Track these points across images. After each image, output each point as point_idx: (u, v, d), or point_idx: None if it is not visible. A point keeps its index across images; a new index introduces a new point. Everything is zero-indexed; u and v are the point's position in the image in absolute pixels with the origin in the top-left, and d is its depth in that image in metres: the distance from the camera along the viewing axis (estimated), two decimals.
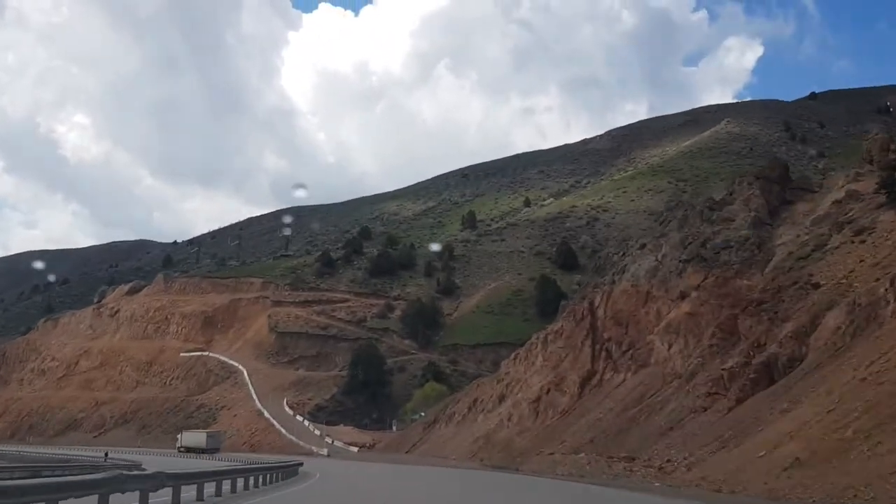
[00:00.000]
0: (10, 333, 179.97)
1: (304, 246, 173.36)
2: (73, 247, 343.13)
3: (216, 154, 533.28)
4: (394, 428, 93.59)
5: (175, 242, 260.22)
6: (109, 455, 57.93)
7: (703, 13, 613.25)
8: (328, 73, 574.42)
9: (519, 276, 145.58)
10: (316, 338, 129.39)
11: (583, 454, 51.58)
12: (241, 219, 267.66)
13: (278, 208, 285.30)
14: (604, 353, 65.04)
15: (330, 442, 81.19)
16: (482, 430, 68.15)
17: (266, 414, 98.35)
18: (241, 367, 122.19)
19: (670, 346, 59.26)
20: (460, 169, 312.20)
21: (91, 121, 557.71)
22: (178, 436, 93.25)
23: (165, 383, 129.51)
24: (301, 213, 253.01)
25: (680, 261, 66.59)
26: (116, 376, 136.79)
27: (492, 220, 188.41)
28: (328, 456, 72.52)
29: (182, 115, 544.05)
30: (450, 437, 72.99)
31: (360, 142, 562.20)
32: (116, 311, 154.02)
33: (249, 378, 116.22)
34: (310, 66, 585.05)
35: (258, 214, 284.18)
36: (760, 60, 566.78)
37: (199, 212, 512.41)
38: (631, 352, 63.28)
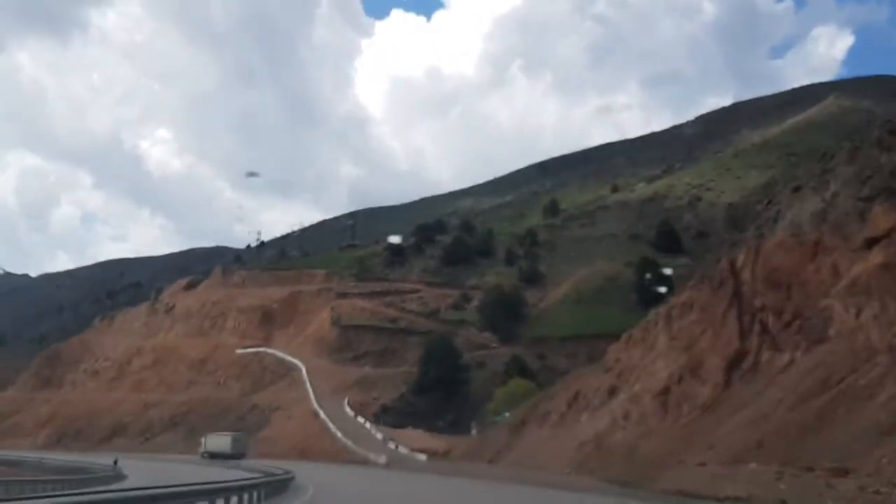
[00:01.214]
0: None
1: (373, 240, 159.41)
2: (155, 254, 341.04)
3: (293, 164, 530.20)
4: (473, 431, 77.55)
5: (248, 247, 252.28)
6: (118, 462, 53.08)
7: (788, 2, 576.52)
8: (401, 79, 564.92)
9: (613, 261, 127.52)
10: (383, 331, 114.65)
11: (753, 464, 34.55)
12: (314, 222, 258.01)
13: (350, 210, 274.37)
14: (757, 327, 47.35)
15: (393, 447, 65.50)
16: (589, 433, 51.25)
17: (322, 415, 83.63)
18: (299, 363, 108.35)
19: (859, 312, 41.42)
20: (539, 162, 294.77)
21: (173, 135, 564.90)
22: (202, 439, 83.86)
23: (219, 383, 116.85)
24: (374, 214, 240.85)
25: (859, 199, 48.34)
26: (168, 376, 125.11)
27: (577, 207, 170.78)
28: (386, 465, 56.87)
29: (259, 127, 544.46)
30: (544, 441, 56.28)
31: (433, 148, 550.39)
32: (171, 308, 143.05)
33: (308, 376, 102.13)
34: (382, 73, 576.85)
35: (329, 217, 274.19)
36: (851, 50, 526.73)
37: (279, 222, 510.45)
38: (798, 322, 45.44)
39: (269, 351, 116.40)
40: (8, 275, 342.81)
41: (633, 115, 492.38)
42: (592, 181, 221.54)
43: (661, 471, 40.93)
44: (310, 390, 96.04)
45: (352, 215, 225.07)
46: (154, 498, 14.91)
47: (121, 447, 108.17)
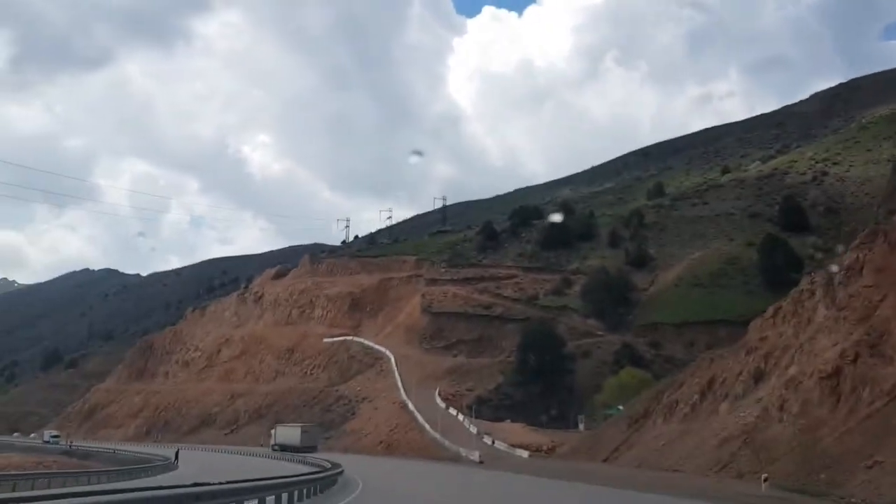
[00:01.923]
0: None
1: (464, 225, 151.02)
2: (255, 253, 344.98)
3: (388, 164, 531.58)
4: (580, 426, 68.16)
5: (344, 242, 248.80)
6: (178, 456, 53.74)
7: None
8: (493, 76, 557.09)
9: (731, 241, 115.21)
10: (477, 319, 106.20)
11: None
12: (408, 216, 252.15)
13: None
14: None
15: (489, 442, 56.78)
16: (733, 427, 41.20)
17: (410, 407, 75.82)
18: (387, 353, 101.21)
19: None
20: (640, 149, 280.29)
21: (273, 140, 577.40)
22: (273, 431, 79.76)
23: (306, 373, 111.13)
24: (467, 206, 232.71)
25: None
26: (256, 366, 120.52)
27: (686, 189, 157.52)
28: (480, 462, 48.14)
29: (354, 129, 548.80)
30: (673, 437, 46.44)
31: (528, 144, 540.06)
32: (260, 297, 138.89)
33: (396, 365, 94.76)
34: (475, 70, 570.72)
35: (422, 212, 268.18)
36: None
37: (374, 221, 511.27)
38: None
39: (357, 340, 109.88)
40: (119, 273, 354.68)
41: (735, 103, 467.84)
42: (699, 164, 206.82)
43: (846, 474, 30.98)
44: (398, 380, 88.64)
45: (443, 201, 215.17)
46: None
47: (207, 439, 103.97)
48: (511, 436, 59.77)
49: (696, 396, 48.64)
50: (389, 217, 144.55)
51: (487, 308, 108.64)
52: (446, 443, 58.66)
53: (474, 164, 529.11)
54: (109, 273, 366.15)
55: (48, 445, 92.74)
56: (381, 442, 69.74)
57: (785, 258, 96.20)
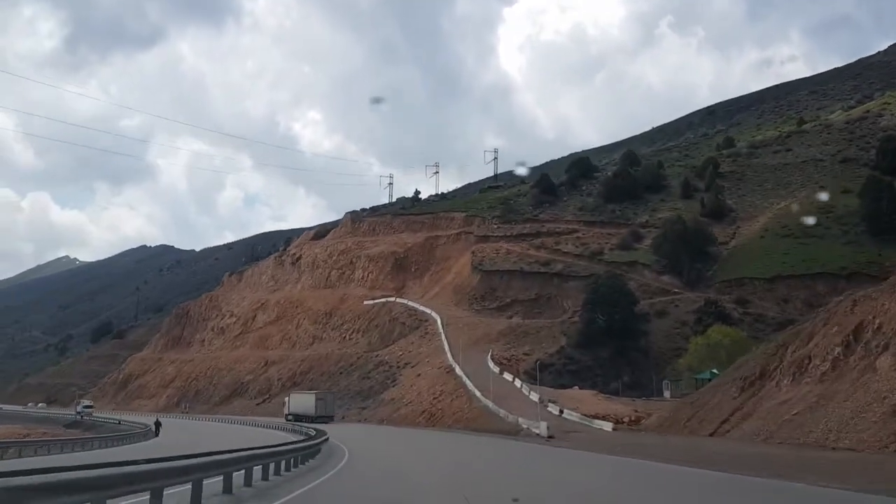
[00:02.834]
0: None
1: (518, 180, 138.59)
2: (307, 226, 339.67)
3: (438, 138, 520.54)
4: (666, 394, 56.22)
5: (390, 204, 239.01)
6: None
7: None
8: (544, 45, 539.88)
9: (822, 189, 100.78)
10: (534, 277, 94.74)
11: None
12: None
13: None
14: None
15: (555, 413, 45.31)
16: None
17: (458, 371, 64.73)
18: (433, 314, 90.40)
19: None
20: (705, 107, 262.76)
21: (323, 116, 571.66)
22: (286, 399, 72.96)
23: (344, 338, 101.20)
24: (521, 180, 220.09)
25: None
26: (292, 331, 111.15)
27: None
28: (549, 437, 36.48)
29: (403, 103, 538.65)
30: (811, 403, 34.26)
31: (580, 114, 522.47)
32: (298, 259, 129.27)
33: (443, 327, 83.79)
34: (525, 40, 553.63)
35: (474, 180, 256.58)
36: None
37: (423, 195, 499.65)
38: None
39: (401, 301, 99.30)
40: (174, 249, 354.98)
41: (797, 67, 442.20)
42: (770, 119, 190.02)
43: None
44: (445, 343, 77.68)
45: (494, 154, 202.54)
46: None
47: (238, 409, 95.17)
48: (583, 405, 48.20)
49: (837, 350, 36.21)
50: (436, 172, 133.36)
51: (545, 265, 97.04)
52: (501, 412, 47.36)
53: (526, 134, 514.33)
54: (165, 249, 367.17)
55: (80, 417, 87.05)
56: (423, 412, 58.90)
57: (890, 203, 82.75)
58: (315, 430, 34.63)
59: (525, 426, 40.70)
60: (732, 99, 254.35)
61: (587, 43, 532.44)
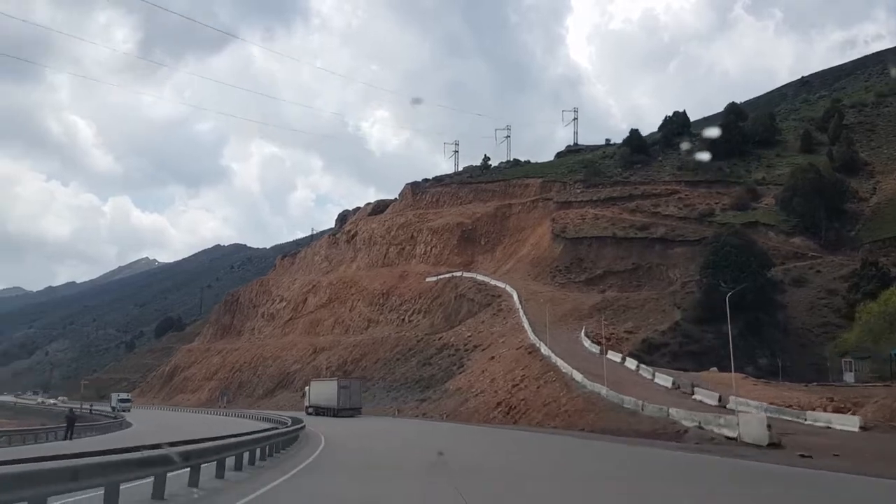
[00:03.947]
0: None
1: (602, 141, 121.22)
2: None
3: (506, 131, 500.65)
4: (847, 377, 39.37)
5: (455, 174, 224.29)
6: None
7: None
8: (614, 34, 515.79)
9: None
10: (631, 243, 78.18)
11: None
12: None
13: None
14: None
15: (712, 402, 28.81)
16: None
17: (544, 350, 48.69)
18: (508, 288, 74.74)
19: None
20: (799, 79, 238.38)
21: (391, 114, 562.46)
22: (306, 389, 64.48)
23: (403, 319, 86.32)
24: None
25: None
26: (345, 314, 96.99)
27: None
28: (774, 445, 19.74)
29: (471, 97, 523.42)
30: None
31: (653, 104, 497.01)
32: (353, 236, 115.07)
33: (521, 303, 67.96)
34: (595, 29, 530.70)
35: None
36: None
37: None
38: None
39: (468, 275, 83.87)
40: (245, 247, 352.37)
41: (884, 45, 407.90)
42: (880, 80, 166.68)
43: None
44: (524, 320, 61.80)
45: (574, 113, 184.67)
46: None
47: (282, 402, 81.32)
48: (745, 393, 31.54)
49: None
50: (507, 136, 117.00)
51: (643, 229, 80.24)
52: (628, 402, 30.89)
53: (596, 126, 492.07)
54: (238, 247, 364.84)
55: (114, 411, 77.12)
56: (499, 404, 43.07)
57: None
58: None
59: (691, 424, 24.27)
60: (828, 69, 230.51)
61: (659, 30, 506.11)
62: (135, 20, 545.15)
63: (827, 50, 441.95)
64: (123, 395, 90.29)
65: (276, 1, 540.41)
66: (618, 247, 78.80)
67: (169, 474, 11.14)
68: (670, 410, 26.43)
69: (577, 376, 38.06)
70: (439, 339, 70.91)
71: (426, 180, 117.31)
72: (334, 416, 54.70)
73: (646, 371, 39.40)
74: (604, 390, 33.10)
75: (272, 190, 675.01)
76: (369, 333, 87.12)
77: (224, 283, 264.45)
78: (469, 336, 66.78)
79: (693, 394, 31.11)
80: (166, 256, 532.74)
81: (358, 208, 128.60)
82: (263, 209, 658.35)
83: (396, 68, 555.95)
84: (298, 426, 27.47)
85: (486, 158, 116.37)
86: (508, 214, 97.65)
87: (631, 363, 41.69)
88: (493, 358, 56.56)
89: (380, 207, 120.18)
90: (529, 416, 37.58)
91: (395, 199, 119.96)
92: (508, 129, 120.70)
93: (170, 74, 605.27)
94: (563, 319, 62.27)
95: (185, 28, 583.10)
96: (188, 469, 12.27)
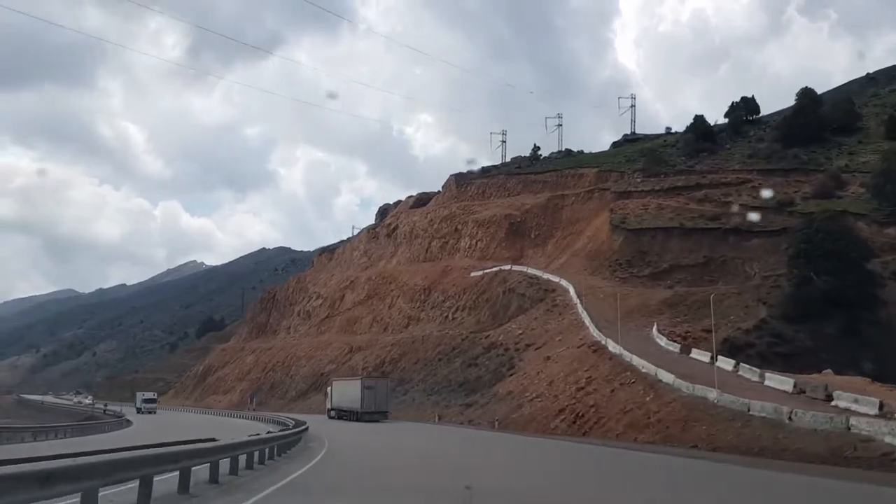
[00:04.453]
0: None
1: (663, 129, 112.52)
2: None
3: (553, 137, 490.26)
4: None
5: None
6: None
7: None
8: (663, 37, 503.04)
9: None
10: (701, 235, 70.42)
11: None
12: None
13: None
14: None
15: (871, 411, 21.13)
16: None
17: (612, 348, 41.27)
18: (562, 282, 67.44)
19: None
20: (864, 76, 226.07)
21: (435, 119, 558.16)
22: (328, 389, 60.22)
23: (446, 317, 79.46)
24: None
25: None
26: (383, 312, 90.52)
27: None
28: None
29: (516, 101, 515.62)
30: None
31: (702, 109, 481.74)
32: (394, 229, 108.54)
33: (579, 298, 60.56)
34: (643, 33, 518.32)
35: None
36: None
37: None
38: None
39: (518, 268, 76.66)
40: (290, 250, 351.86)
41: None
42: None
43: None
44: (585, 315, 54.38)
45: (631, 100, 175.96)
46: None
47: (314, 405, 75.17)
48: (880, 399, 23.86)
49: None
50: (559, 125, 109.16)
51: (714, 219, 72.23)
52: (765, 410, 22.99)
53: (644, 131, 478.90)
54: (282, 250, 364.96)
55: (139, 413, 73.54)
56: (562, 410, 35.72)
57: None
58: None
59: None
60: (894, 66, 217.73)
61: (709, 33, 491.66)
62: (185, 26, 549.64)
63: (885, 52, 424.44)
64: (148, 395, 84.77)
65: (322, 7, 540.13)
66: (686, 238, 70.94)
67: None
68: (851, 421, 18.75)
69: (666, 377, 30.62)
70: (486, 337, 63.78)
71: (471, 172, 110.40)
72: (357, 420, 48.60)
73: (749, 372, 31.78)
74: (713, 394, 25.59)
75: (317, 194, 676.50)
76: (409, 332, 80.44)
77: (267, 285, 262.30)
78: (520, 334, 59.54)
79: (831, 400, 23.56)
80: (214, 259, 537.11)
81: (399, 201, 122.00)
82: (308, 213, 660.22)
83: (440, 73, 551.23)
84: (289, 432, 24.17)
85: (536, 148, 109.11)
86: (561, 206, 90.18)
87: (726, 363, 33.97)
88: (549, 358, 49.24)
89: (422, 200, 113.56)
90: (605, 426, 30.20)
91: (438, 191, 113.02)
92: (560, 117, 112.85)
93: (218, 80, 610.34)
94: (628, 316, 54.59)
95: (233, 33, 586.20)
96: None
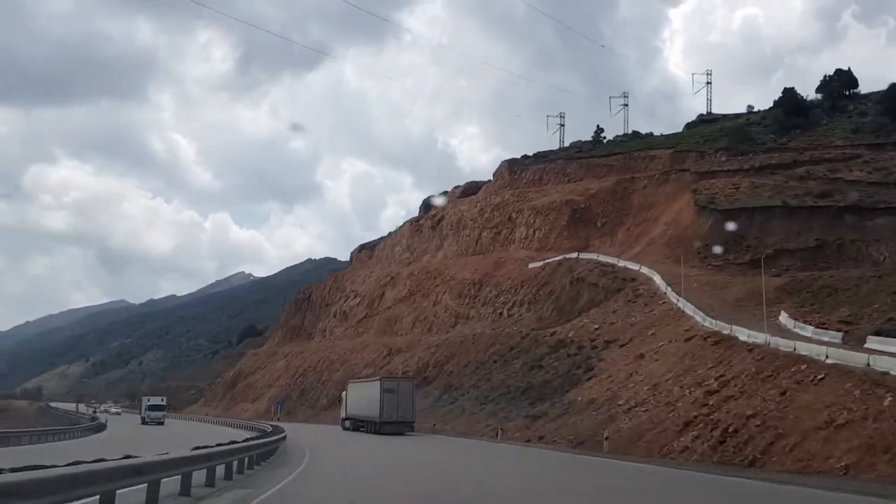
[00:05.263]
0: None
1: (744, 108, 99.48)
2: None
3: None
4: None
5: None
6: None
7: None
8: (714, 47, 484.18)
9: None
10: (810, 214, 58.58)
11: None
12: None
13: None
14: None
15: None
16: None
17: (745, 337, 29.73)
18: (643, 269, 56.01)
19: None
20: None
21: (480, 130, 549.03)
22: (342, 394, 51.51)
23: (500, 313, 68.43)
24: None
25: None
26: (428, 309, 79.80)
27: None
28: None
29: (563, 112, 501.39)
30: None
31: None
32: (439, 221, 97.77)
33: (668, 287, 49.09)
34: (693, 42, 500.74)
35: None
36: None
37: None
38: None
39: (587, 256, 65.40)
40: (335, 261, 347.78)
41: None
42: None
43: None
44: (683, 305, 42.93)
45: (706, 76, 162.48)
46: None
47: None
48: None
49: None
50: (625, 104, 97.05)
51: (823, 197, 60.03)
52: None
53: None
54: (327, 261, 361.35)
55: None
56: (688, 424, 24.20)
57: None
58: None
59: None
60: None
61: (761, 41, 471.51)
62: (234, 39, 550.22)
63: None
64: (155, 401, 67.24)
65: (368, 18, 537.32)
66: (790, 219, 58.98)
67: None
68: None
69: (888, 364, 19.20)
70: (552, 334, 52.46)
71: (525, 157, 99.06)
72: (376, 432, 39.88)
73: None
74: None
75: (363, 206, 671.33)
76: (457, 331, 69.49)
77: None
78: (596, 329, 48.14)
79: None
80: (262, 271, 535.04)
81: (445, 192, 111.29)
82: (354, 224, 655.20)
83: (486, 83, 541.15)
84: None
85: (599, 130, 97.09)
86: (631, 190, 78.59)
87: None
88: (642, 356, 37.85)
89: (471, 189, 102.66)
90: (794, 450, 18.74)
91: (489, 180, 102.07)
92: (625, 96, 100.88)
93: (267, 91, 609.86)
94: (738, 307, 43.06)
95: (281, 44, 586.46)
96: None
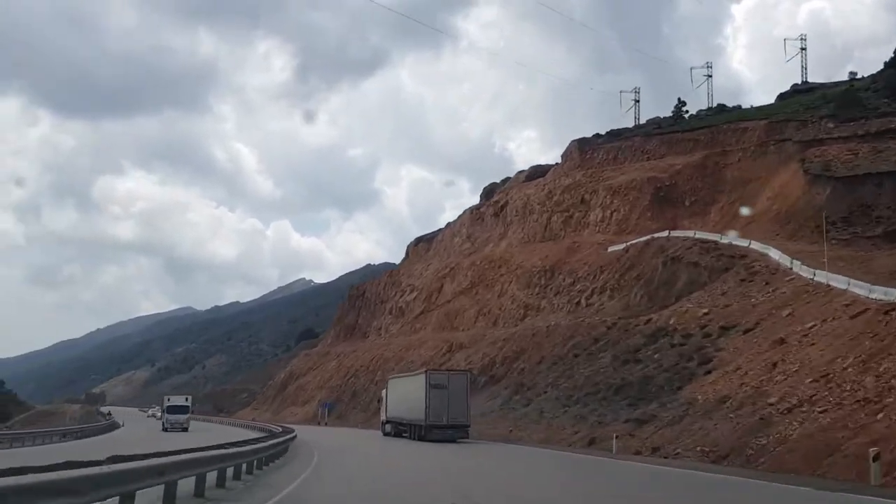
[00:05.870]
0: None
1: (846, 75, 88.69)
2: None
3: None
4: None
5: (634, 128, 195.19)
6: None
7: None
8: (779, 42, 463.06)
9: None
10: None
11: None
12: None
13: None
14: None
15: None
16: None
17: None
18: (754, 245, 46.84)
19: None
20: None
21: (538, 133, 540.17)
22: (382, 392, 45.05)
23: (577, 302, 59.71)
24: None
25: None
26: (492, 301, 71.54)
27: None
28: None
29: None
30: None
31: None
32: (503, 207, 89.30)
33: (792, 262, 39.80)
34: (756, 38, 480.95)
35: None
36: None
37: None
38: None
39: (680, 234, 56.24)
40: (393, 265, 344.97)
41: None
42: None
43: None
44: (822, 277, 33.74)
45: (801, 41, 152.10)
46: None
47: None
48: None
49: None
50: (709, 76, 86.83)
51: None
52: None
53: None
54: (386, 266, 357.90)
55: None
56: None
57: None
58: None
59: None
60: None
61: (829, 36, 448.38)
62: (293, 47, 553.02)
63: None
64: (177, 400, 55.26)
65: (424, 23, 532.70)
66: None
67: None
68: None
69: None
70: (646, 322, 43.53)
71: (598, 136, 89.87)
72: (420, 438, 33.02)
73: None
74: None
75: (421, 212, 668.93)
76: (527, 323, 61.02)
77: None
78: (706, 314, 39.07)
79: None
80: (322, 277, 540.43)
81: (507, 178, 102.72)
82: (412, 230, 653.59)
83: (543, 86, 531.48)
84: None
85: (681, 104, 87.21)
86: (723, 165, 69.05)
87: None
88: (783, 340, 28.82)
89: (536, 173, 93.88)
90: None
91: (557, 163, 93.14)
92: (709, 66, 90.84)
93: (325, 99, 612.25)
94: (890, 283, 33.57)
95: (339, 52, 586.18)
96: None
